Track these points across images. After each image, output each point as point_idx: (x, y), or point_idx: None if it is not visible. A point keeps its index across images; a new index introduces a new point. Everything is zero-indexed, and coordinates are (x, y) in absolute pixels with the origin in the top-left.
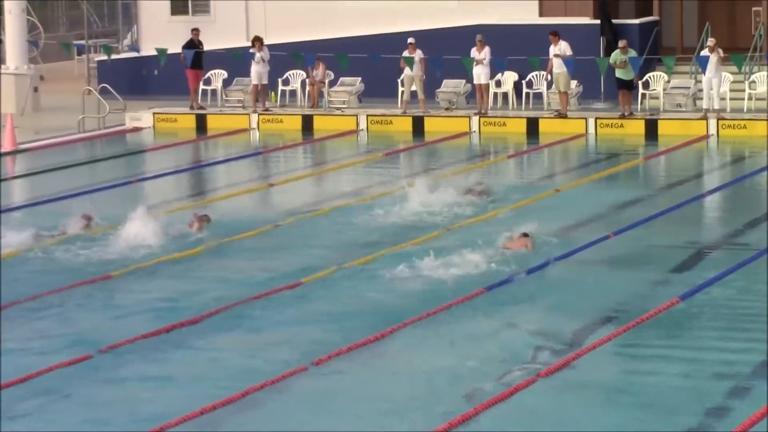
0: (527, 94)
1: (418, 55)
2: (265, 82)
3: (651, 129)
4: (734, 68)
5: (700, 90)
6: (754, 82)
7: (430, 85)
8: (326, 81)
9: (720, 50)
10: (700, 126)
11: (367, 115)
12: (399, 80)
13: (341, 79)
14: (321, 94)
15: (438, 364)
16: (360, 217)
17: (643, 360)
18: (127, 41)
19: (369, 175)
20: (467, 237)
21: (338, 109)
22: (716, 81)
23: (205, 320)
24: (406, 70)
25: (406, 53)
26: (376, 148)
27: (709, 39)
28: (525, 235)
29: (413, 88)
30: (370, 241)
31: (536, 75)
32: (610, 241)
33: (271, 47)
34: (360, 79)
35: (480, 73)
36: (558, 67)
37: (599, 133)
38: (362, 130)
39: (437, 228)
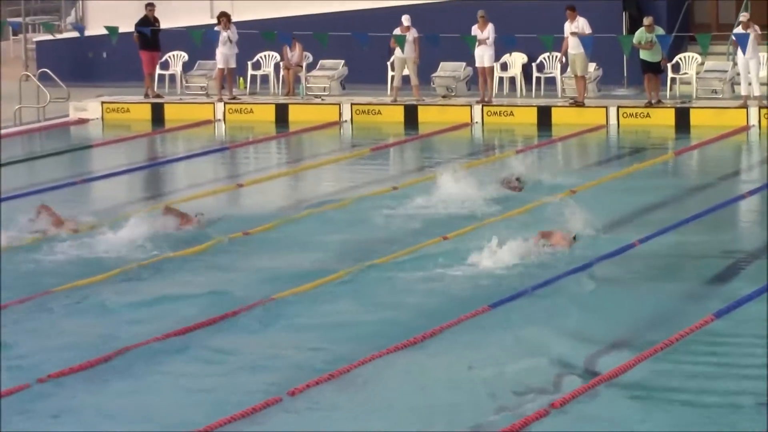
0: (538, 78)
1: (412, 34)
2: (232, 65)
3: (682, 119)
4: None
5: (739, 74)
6: None
7: (425, 69)
8: (304, 64)
9: (756, 27)
10: (739, 115)
11: (352, 104)
12: (388, 63)
13: (321, 62)
14: (298, 80)
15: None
16: (338, 222)
17: (671, 391)
18: (70, 18)
19: (353, 173)
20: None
21: (318, 97)
22: (754, 63)
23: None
24: (397, 52)
25: (397, 31)
26: (361, 142)
27: (741, 14)
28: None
29: (405, 72)
30: (383, 241)
31: (549, 56)
32: (635, 250)
33: (239, 25)
34: (343, 62)
35: (483, 55)
36: (574, 47)
37: (622, 124)
38: (346, 121)
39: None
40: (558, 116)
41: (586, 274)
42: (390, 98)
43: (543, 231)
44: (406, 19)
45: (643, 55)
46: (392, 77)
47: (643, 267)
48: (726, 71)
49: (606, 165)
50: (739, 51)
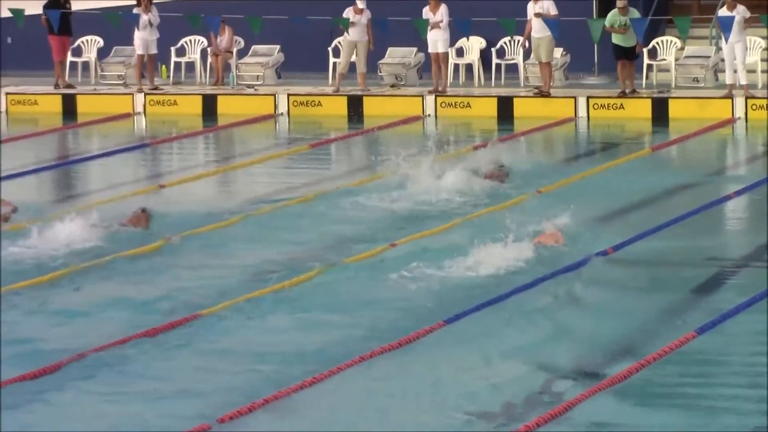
0: (498, 66)
1: (366, 16)
2: (153, 52)
3: (660, 111)
4: (764, 31)
5: (723, 60)
6: None
7: (371, 56)
8: (234, 50)
9: (742, 7)
10: (723, 107)
11: (289, 95)
12: (330, 48)
13: (254, 47)
14: (227, 68)
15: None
16: (274, 228)
17: (649, 412)
18: None
19: (291, 172)
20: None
21: (250, 86)
22: (740, 48)
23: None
24: (348, 34)
25: (349, 12)
26: (300, 137)
27: None
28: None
29: (353, 58)
30: (325, 248)
31: (510, 41)
32: (607, 258)
33: (160, 6)
34: (278, 47)
35: (436, 40)
36: (538, 30)
37: (592, 117)
38: (282, 114)
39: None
40: (521, 108)
41: (551, 285)
42: (332, 88)
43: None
44: (360, 0)
45: (616, 39)
46: (334, 64)
47: (615, 277)
48: (709, 57)
49: (575, 163)
50: (723, 35)
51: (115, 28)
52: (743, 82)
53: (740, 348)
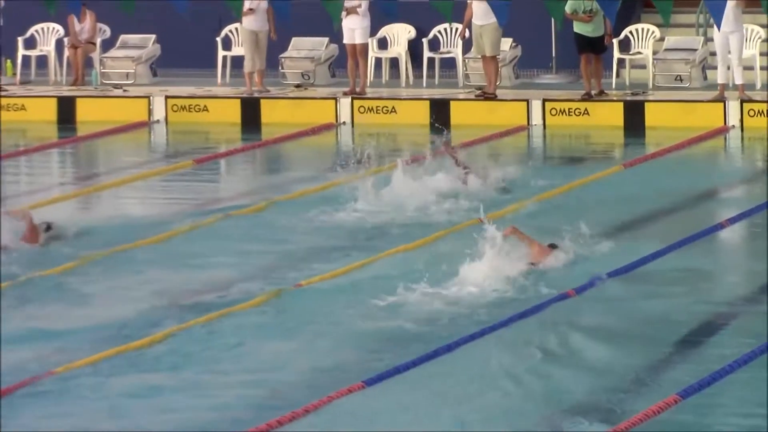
0: (431, 60)
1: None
2: None
3: (633, 118)
4: (764, 19)
5: (713, 54)
6: None
7: (271, 47)
8: (98, 41)
9: None
10: (713, 112)
11: (167, 98)
12: (219, 39)
13: (123, 37)
14: (89, 63)
15: None
16: (147, 263)
17: None
18: None
19: (170, 194)
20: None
21: (118, 87)
22: (736, 39)
23: None
24: (247, 22)
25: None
26: (180, 151)
27: None
28: (552, 246)
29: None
30: (203, 290)
31: (446, 30)
32: (571, 302)
33: None
34: (154, 37)
35: (354, 28)
36: (482, 16)
37: (549, 125)
38: (158, 121)
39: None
40: (459, 114)
41: (505, 334)
42: (221, 89)
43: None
44: None
45: (579, 28)
46: (224, 58)
47: (579, 325)
48: (695, 50)
49: (527, 183)
50: (715, 22)
51: None
52: (739, 81)
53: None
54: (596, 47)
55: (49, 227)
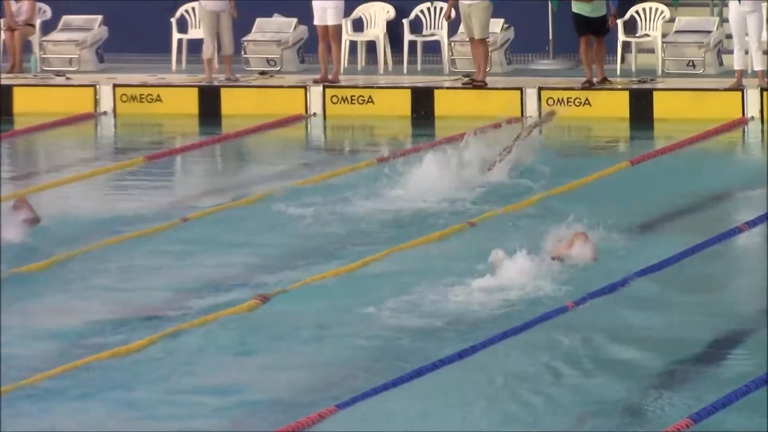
0: (412, 44)
1: None
2: None
3: (641, 108)
4: None
5: (730, 36)
6: None
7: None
8: (37, 22)
9: None
10: (729, 102)
11: (115, 86)
12: (173, 20)
13: (65, 18)
14: (28, 47)
15: None
16: (97, 272)
17: None
18: None
19: (118, 194)
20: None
21: (60, 74)
22: (754, 19)
23: None
24: (205, 1)
25: None
26: (131, 146)
27: None
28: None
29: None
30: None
31: (429, 9)
32: (569, 315)
33: None
34: (100, 18)
35: (325, 7)
36: None
37: None
38: (106, 112)
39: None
40: (444, 104)
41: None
42: (177, 76)
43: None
44: None
45: (578, 7)
46: (180, 41)
47: (578, 340)
48: (710, 32)
49: (521, 181)
50: (732, 1)
51: None
52: (759, 67)
53: None
54: (597, 29)
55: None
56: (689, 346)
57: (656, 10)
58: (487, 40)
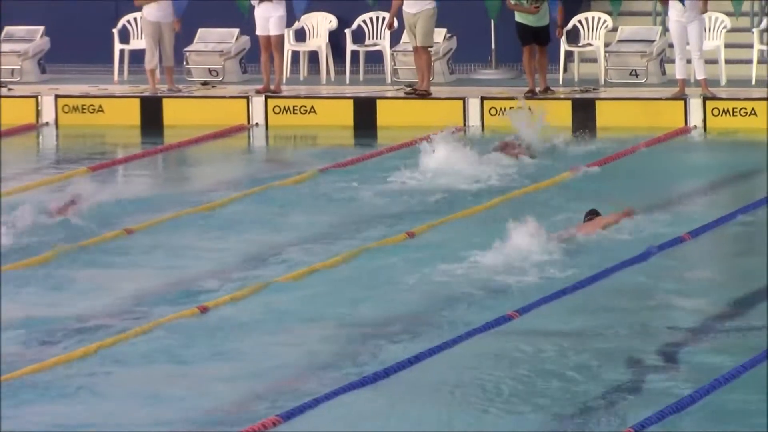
0: (355, 54)
1: None
2: None
3: (583, 117)
4: (730, 6)
5: (672, 46)
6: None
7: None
8: None
9: None
10: (672, 111)
11: (57, 97)
12: (115, 30)
13: (6, 29)
14: None
15: None
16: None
17: None
18: None
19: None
20: None
21: (2, 85)
22: (695, 29)
23: None
24: (147, 11)
25: None
26: (74, 156)
27: None
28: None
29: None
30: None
31: (371, 19)
32: (510, 325)
33: None
34: (42, 29)
35: (267, 17)
36: (414, 4)
37: (488, 126)
38: (47, 123)
39: None
40: (387, 114)
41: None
42: (119, 86)
43: None
44: None
45: (522, 17)
46: (122, 52)
47: (519, 354)
48: (652, 41)
49: (461, 193)
50: (672, 10)
51: None
52: (701, 76)
53: None
54: (541, 38)
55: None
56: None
57: (599, 19)
58: (430, 48)
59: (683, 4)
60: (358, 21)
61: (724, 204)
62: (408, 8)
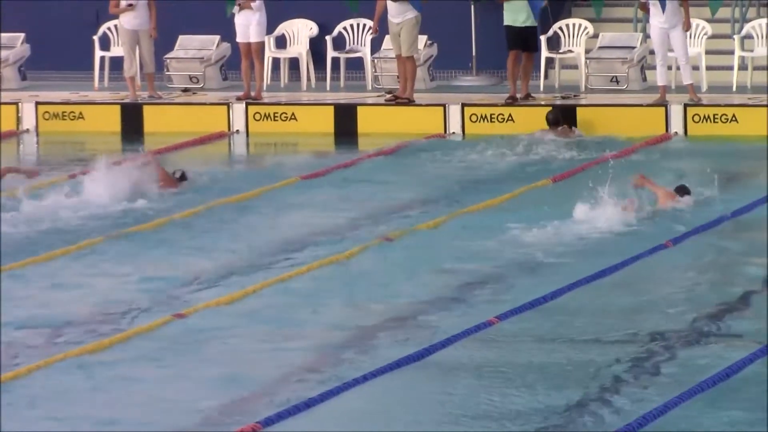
0: (335, 61)
1: None
2: None
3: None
4: (709, 12)
5: (653, 53)
6: (750, 37)
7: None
8: None
9: None
10: (653, 117)
11: (37, 104)
12: (96, 37)
13: None
14: None
15: None
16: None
17: None
18: None
19: (43, 215)
20: None
21: None
22: (678, 35)
23: None
24: (124, 20)
25: None
26: (54, 162)
27: None
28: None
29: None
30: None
31: (351, 26)
32: (491, 331)
33: None
34: (23, 36)
35: (247, 24)
36: (399, 11)
37: (469, 133)
38: (27, 130)
39: None
40: (368, 121)
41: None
42: (99, 94)
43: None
44: None
45: (509, 18)
46: (102, 59)
47: (499, 359)
48: (633, 48)
49: (441, 198)
50: (654, 16)
51: None
52: (688, 81)
53: None
54: (529, 44)
55: (183, 176)
56: None
57: (580, 26)
58: (414, 57)
59: (662, 12)
60: (339, 28)
61: (704, 212)
62: (392, 17)
